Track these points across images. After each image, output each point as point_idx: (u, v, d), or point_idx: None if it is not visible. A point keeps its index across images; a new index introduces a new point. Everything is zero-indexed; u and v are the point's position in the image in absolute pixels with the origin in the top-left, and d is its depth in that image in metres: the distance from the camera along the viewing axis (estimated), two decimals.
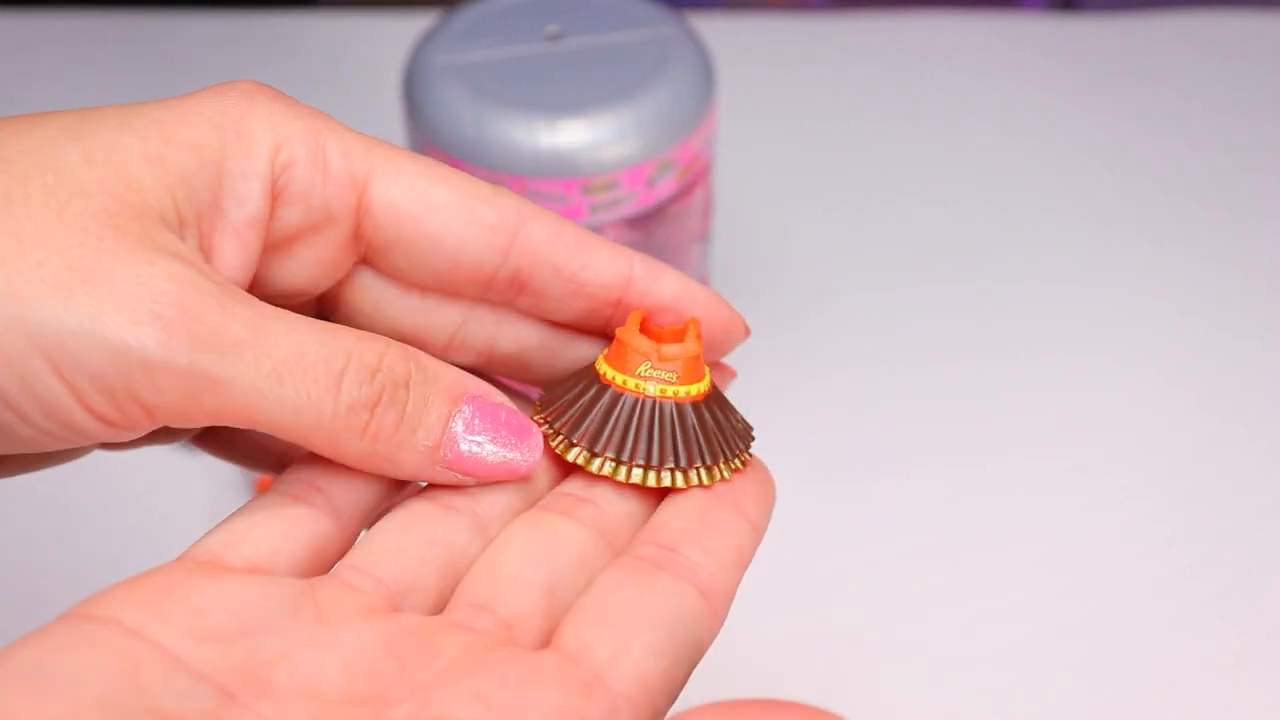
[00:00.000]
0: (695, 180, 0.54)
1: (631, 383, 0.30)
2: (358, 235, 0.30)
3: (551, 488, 0.31)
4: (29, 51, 0.78)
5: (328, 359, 0.27)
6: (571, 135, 0.50)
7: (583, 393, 0.31)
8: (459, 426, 0.28)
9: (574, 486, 0.31)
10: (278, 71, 0.76)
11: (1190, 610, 0.55)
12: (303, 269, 0.30)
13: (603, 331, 0.32)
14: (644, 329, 0.31)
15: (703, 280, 0.58)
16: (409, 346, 0.29)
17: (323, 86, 0.75)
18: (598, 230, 0.52)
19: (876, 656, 0.54)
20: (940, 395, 0.63)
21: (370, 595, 0.27)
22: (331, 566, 0.28)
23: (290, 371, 0.26)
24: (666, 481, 0.30)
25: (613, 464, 0.30)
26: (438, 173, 0.30)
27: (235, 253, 0.28)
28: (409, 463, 0.28)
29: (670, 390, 0.30)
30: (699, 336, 0.31)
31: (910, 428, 0.62)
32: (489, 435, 0.29)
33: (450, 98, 0.51)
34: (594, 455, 0.30)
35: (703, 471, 0.30)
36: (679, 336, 0.31)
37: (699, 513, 0.29)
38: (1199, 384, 0.64)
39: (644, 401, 0.30)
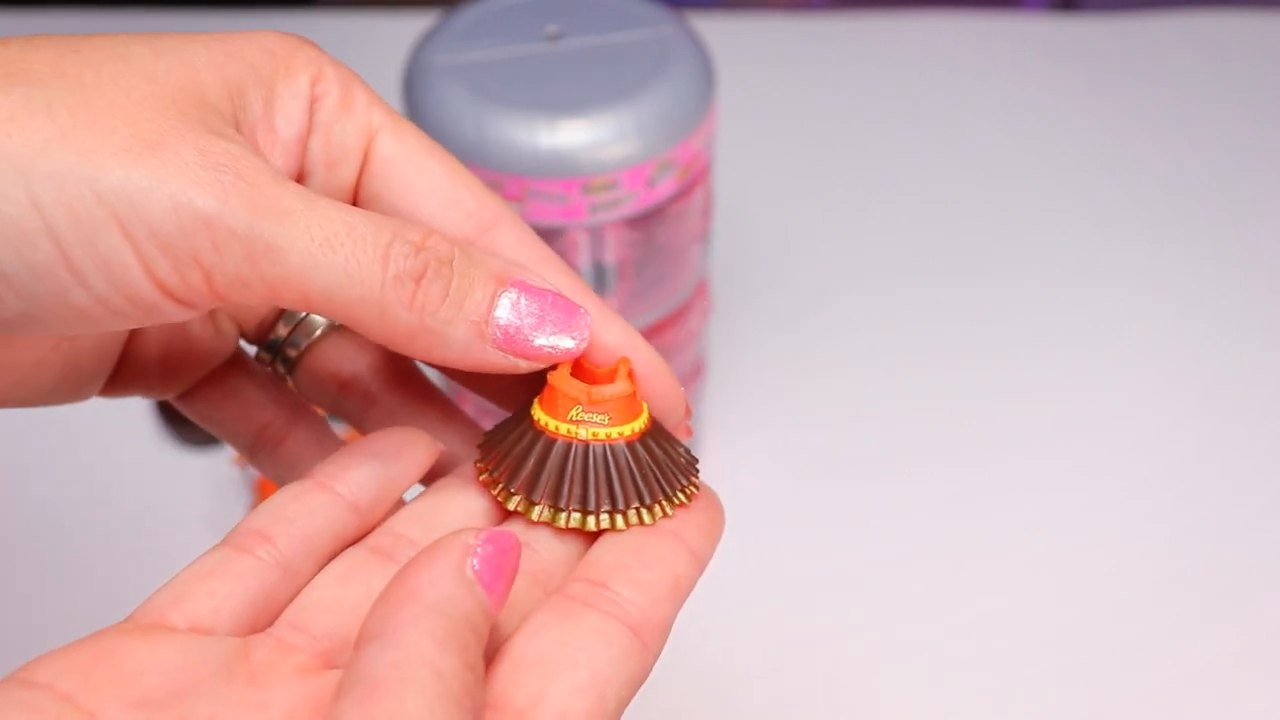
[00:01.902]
0: (695, 180, 0.54)
1: (564, 428, 0.30)
2: (358, 183, 0.31)
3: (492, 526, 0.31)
4: None
5: (375, 233, 0.28)
6: (571, 135, 0.50)
7: (519, 439, 0.31)
8: (505, 306, 0.29)
9: (513, 529, 0.31)
10: None
11: (1190, 610, 0.55)
12: None
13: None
14: (575, 371, 0.31)
15: (702, 280, 0.58)
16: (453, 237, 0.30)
17: None
18: (597, 230, 0.52)
19: (876, 656, 0.54)
20: (940, 395, 0.63)
21: (304, 653, 0.27)
22: (279, 614, 0.29)
23: (341, 242, 0.27)
24: (605, 524, 0.30)
25: (550, 510, 0.30)
26: (439, 152, 0.31)
27: (286, 167, 0.30)
28: (459, 340, 0.29)
29: (603, 433, 0.30)
30: (630, 375, 0.31)
31: (910, 428, 0.62)
32: (536, 316, 0.29)
33: (450, 98, 0.51)
34: (532, 503, 0.30)
35: (643, 511, 0.30)
36: (611, 377, 0.31)
37: (634, 547, 0.29)
38: (1199, 384, 0.64)
39: (576, 446, 0.30)
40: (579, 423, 0.30)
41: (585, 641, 0.27)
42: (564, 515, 0.30)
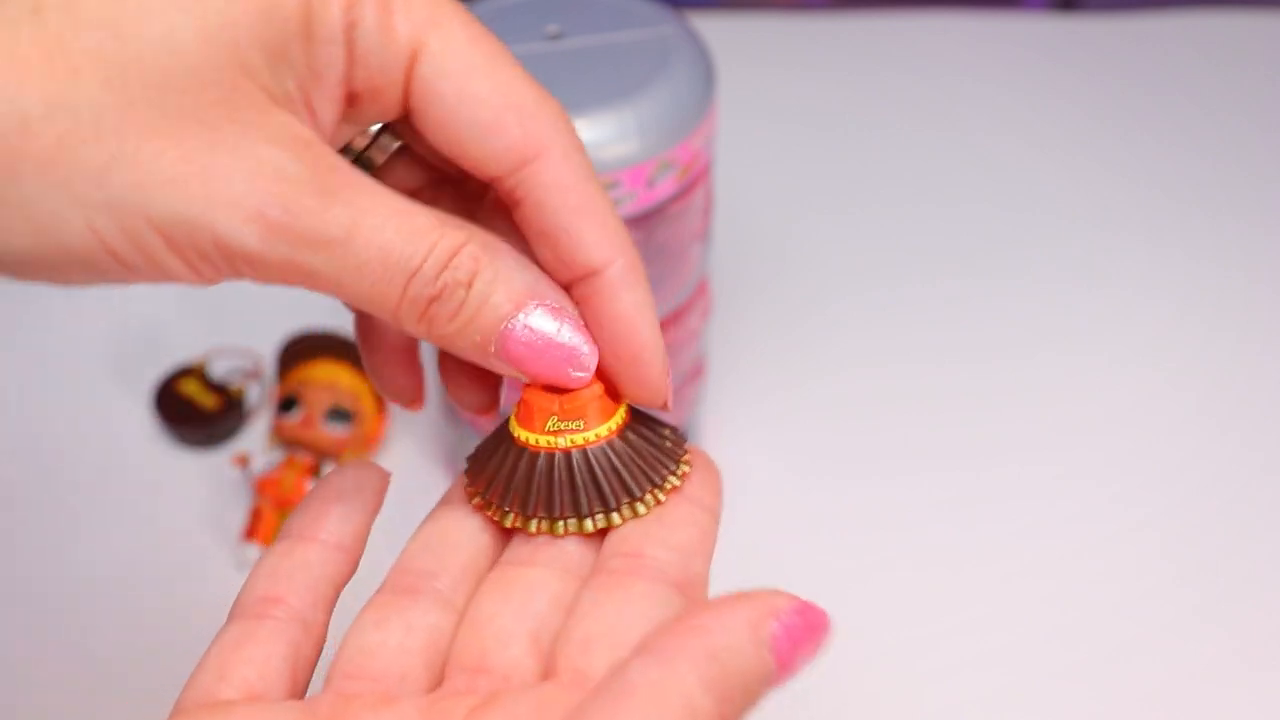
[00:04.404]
0: (695, 180, 0.54)
1: (543, 440, 0.31)
2: (405, 107, 0.30)
3: (498, 543, 0.31)
4: None
5: (408, 259, 0.28)
6: None
7: (503, 458, 0.31)
8: (516, 327, 0.29)
9: (520, 542, 0.31)
10: None
11: (1191, 610, 0.55)
12: (352, 133, 0.31)
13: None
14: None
15: (702, 280, 0.58)
16: (495, 242, 0.30)
17: None
18: None
19: (876, 656, 0.54)
20: (940, 395, 0.63)
21: (367, 697, 0.27)
22: (309, 668, 0.29)
23: (372, 269, 0.28)
24: (601, 524, 0.30)
25: (547, 521, 0.30)
26: (487, 67, 0.29)
27: (331, 116, 0.29)
28: (462, 350, 0.30)
29: (580, 438, 0.31)
30: (597, 375, 0.31)
31: (910, 428, 0.62)
32: (542, 344, 0.30)
33: None
34: (528, 518, 0.31)
35: (636, 504, 0.30)
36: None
37: (654, 516, 0.30)
38: (1200, 384, 0.64)
39: (558, 456, 0.31)
40: (556, 432, 0.31)
41: (642, 607, 0.28)
42: (561, 524, 0.30)
